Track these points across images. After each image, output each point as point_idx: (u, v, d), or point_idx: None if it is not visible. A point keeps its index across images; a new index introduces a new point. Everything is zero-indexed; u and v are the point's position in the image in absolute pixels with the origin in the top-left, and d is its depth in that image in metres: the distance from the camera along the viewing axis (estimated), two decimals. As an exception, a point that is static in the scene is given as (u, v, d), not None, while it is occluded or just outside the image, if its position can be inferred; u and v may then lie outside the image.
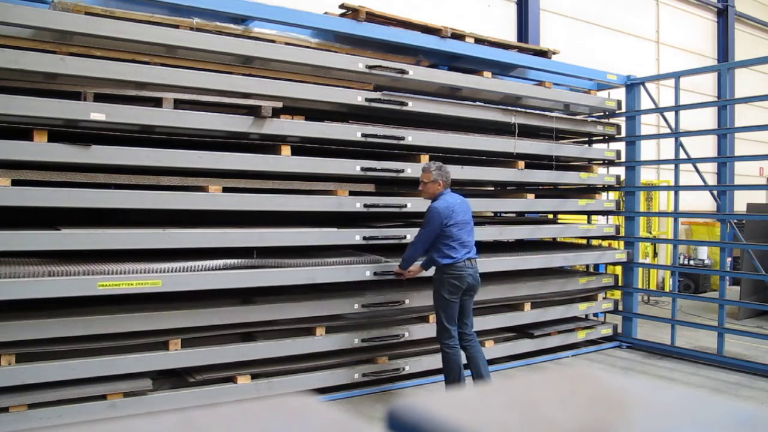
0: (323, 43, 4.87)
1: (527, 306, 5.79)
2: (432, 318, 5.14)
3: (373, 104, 4.82)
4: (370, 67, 4.75)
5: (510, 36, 9.05)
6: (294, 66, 4.59)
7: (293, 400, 0.55)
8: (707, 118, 11.07)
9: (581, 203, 6.45)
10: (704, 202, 10.30)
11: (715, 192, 6.80)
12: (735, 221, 6.76)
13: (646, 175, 10.89)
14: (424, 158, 5.13)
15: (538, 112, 6.07)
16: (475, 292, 4.59)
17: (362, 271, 4.68)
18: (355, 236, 4.75)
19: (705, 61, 12.49)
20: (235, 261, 4.22)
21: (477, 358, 4.58)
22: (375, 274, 4.72)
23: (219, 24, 4.36)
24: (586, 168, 6.68)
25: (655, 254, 10.69)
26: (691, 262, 10.52)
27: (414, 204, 5.03)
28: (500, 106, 5.72)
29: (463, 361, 4.59)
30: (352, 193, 4.76)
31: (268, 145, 4.49)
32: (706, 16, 12.92)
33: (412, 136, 5.03)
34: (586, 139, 6.95)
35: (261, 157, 4.36)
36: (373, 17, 4.92)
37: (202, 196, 4.15)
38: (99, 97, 3.80)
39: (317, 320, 4.61)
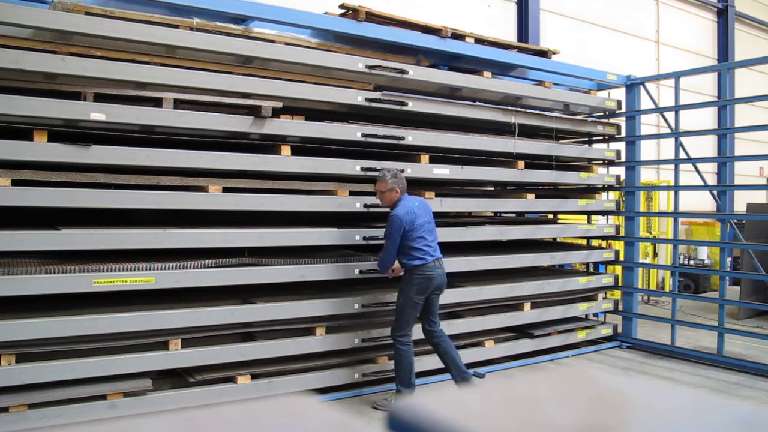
0: (323, 43, 4.87)
1: (527, 306, 5.79)
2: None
3: (373, 104, 4.82)
4: (370, 67, 4.75)
5: (510, 36, 9.05)
6: (294, 66, 4.60)
7: (293, 400, 0.55)
8: (707, 118, 11.07)
9: (581, 203, 6.45)
10: (704, 202, 10.31)
11: (715, 192, 6.81)
12: (735, 221, 6.76)
13: (646, 175, 10.89)
14: (424, 158, 5.13)
15: (538, 112, 6.07)
16: (442, 291, 4.66)
17: (351, 269, 4.70)
18: (355, 236, 4.75)
19: (705, 61, 12.49)
20: (227, 259, 4.23)
21: (450, 352, 4.62)
22: (361, 272, 4.73)
23: (219, 24, 4.36)
24: (586, 168, 6.68)
25: (655, 254, 10.69)
26: (691, 262, 10.52)
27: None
28: (500, 106, 5.72)
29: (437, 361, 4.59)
30: (352, 193, 4.77)
31: (268, 145, 4.49)
32: (706, 16, 12.92)
33: (412, 136, 5.03)
34: (586, 139, 6.95)
35: (261, 157, 4.36)
36: (373, 17, 4.92)
37: (202, 196, 4.15)
38: (99, 97, 3.80)
39: (317, 320, 4.61)
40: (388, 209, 4.67)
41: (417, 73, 5.05)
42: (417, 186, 5.51)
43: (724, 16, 12.97)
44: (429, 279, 4.42)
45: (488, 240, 5.82)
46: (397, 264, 4.65)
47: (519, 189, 6.73)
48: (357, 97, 4.76)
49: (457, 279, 5.63)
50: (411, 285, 4.42)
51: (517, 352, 5.75)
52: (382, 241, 4.91)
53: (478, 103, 5.66)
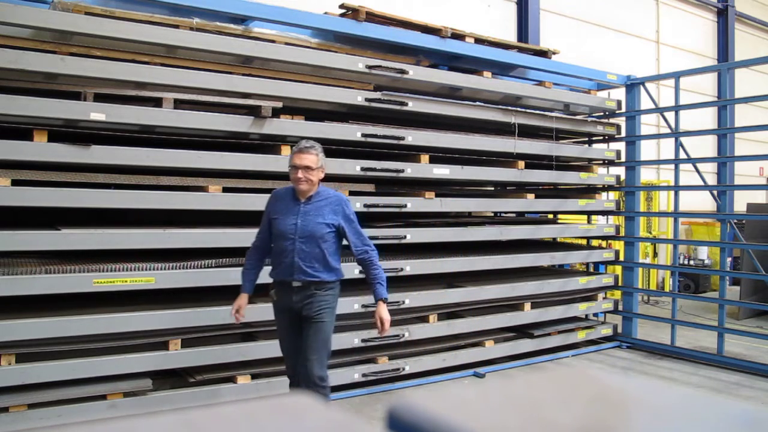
0: (323, 43, 4.87)
1: (527, 306, 5.79)
2: (432, 318, 5.14)
3: (373, 104, 4.82)
4: (370, 67, 4.75)
5: (510, 36, 9.05)
6: (294, 66, 4.60)
7: (293, 400, 0.55)
8: (707, 118, 11.07)
9: (581, 203, 6.45)
10: (704, 202, 10.31)
11: (715, 192, 6.81)
12: (735, 221, 6.76)
13: (646, 175, 10.89)
14: (424, 158, 5.12)
15: (538, 112, 6.07)
16: None
17: (351, 269, 4.68)
18: (355, 236, 4.75)
19: (705, 61, 12.49)
20: (227, 259, 4.24)
21: None
22: (361, 272, 4.70)
23: (219, 24, 4.36)
24: (586, 168, 6.68)
25: (655, 254, 10.69)
26: (691, 262, 10.52)
27: (414, 204, 5.03)
28: (500, 106, 5.72)
29: None
30: (352, 193, 4.76)
31: (268, 145, 4.49)
32: (706, 16, 12.92)
33: (412, 136, 5.03)
34: (586, 139, 6.95)
35: (261, 157, 4.36)
36: (373, 17, 4.92)
37: (202, 196, 4.15)
38: (99, 97, 3.80)
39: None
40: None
41: (417, 73, 5.05)
42: (417, 186, 5.51)
43: (724, 16, 12.97)
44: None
45: (488, 240, 5.82)
46: (244, 299, 3.62)
47: (519, 189, 6.73)
48: (357, 97, 4.76)
49: (457, 279, 5.63)
50: (336, 301, 3.54)
51: (517, 352, 5.75)
52: (383, 242, 4.90)
53: (478, 103, 5.66)
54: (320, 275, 3.40)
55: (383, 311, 3.50)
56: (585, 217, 7.13)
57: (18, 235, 3.56)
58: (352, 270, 4.70)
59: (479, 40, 5.61)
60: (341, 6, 4.88)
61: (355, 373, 4.72)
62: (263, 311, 4.35)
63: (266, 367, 4.40)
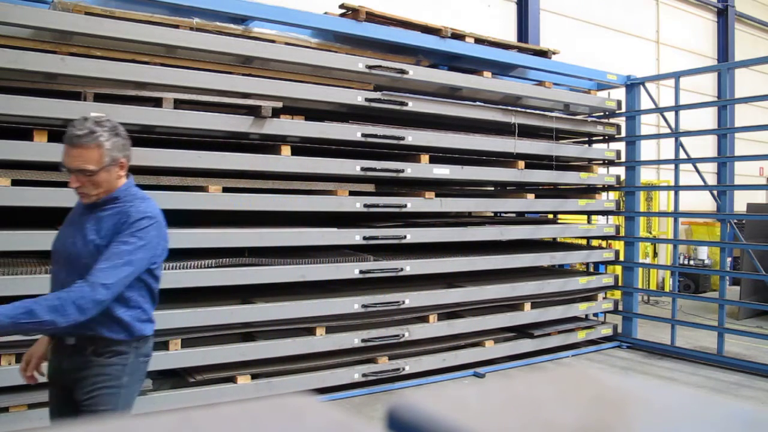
0: (323, 43, 4.87)
1: (527, 306, 5.79)
2: (432, 318, 5.14)
3: (373, 104, 4.82)
4: (370, 67, 4.76)
5: (510, 36, 9.05)
6: (294, 66, 4.60)
7: (293, 400, 0.55)
8: (707, 118, 11.07)
9: (581, 203, 6.45)
10: (704, 202, 10.30)
11: (715, 192, 6.81)
12: (735, 221, 6.76)
13: (646, 175, 10.89)
14: (424, 158, 5.12)
15: (538, 112, 6.07)
16: None
17: (351, 269, 4.69)
18: (355, 236, 4.75)
19: (705, 61, 12.49)
20: (227, 259, 4.24)
21: None
22: (361, 272, 4.72)
23: (219, 24, 4.36)
24: (586, 168, 6.68)
25: (655, 254, 10.68)
26: (691, 262, 10.52)
27: (414, 204, 5.03)
28: (500, 106, 5.73)
29: None
30: (352, 193, 4.77)
31: (268, 145, 4.49)
32: (706, 16, 12.92)
33: (412, 136, 5.03)
34: (586, 139, 6.95)
35: (261, 157, 4.36)
36: (373, 17, 4.92)
37: (202, 196, 4.15)
38: (99, 97, 3.80)
39: (317, 320, 4.61)
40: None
41: (417, 73, 5.05)
42: (417, 186, 5.51)
43: (724, 16, 12.97)
44: (148, 362, 2.31)
45: (488, 240, 5.82)
46: (39, 349, 2.32)
47: (519, 189, 6.73)
48: (357, 97, 4.76)
49: (457, 279, 5.63)
50: (133, 374, 2.21)
51: (517, 352, 5.75)
52: (383, 242, 4.90)
53: (478, 103, 5.66)
54: (99, 330, 2.10)
55: None
56: (585, 217, 7.13)
57: (18, 235, 3.56)
58: (351, 270, 4.71)
59: (479, 40, 5.61)
60: (341, 6, 4.88)
61: (355, 373, 4.72)
62: (263, 311, 4.36)
63: (266, 367, 4.41)
